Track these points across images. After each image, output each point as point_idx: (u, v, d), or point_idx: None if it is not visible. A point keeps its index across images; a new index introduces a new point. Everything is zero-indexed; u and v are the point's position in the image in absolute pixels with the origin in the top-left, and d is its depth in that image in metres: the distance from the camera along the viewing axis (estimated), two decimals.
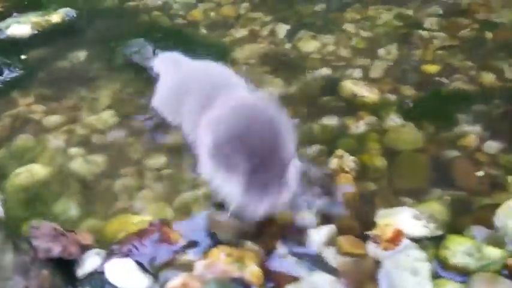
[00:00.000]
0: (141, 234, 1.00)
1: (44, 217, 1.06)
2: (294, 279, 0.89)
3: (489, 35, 1.64)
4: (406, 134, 1.27)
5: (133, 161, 1.23)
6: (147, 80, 1.47)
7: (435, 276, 0.89)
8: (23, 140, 1.31)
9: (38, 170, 1.19)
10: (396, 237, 0.96)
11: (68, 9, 1.87)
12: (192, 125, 1.08)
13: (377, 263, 0.93)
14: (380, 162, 1.18)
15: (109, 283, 0.90)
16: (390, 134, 1.26)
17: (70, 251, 0.93)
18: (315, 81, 1.48)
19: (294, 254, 0.94)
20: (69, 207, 1.11)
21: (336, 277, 0.89)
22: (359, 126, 1.29)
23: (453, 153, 1.20)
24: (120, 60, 1.61)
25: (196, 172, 1.05)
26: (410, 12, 1.80)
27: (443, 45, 1.62)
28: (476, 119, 1.30)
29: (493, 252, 0.89)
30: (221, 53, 1.61)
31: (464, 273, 0.88)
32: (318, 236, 0.97)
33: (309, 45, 1.66)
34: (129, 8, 1.95)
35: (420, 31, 1.69)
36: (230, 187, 0.89)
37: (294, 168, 0.92)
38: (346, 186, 1.10)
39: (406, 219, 0.99)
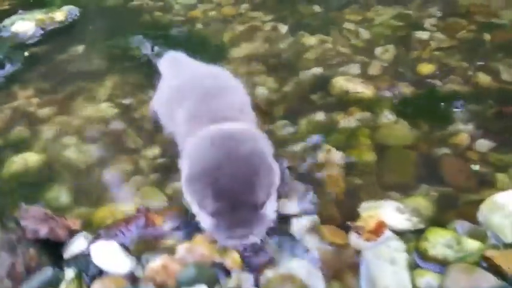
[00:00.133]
0: (127, 220, 1.04)
1: (36, 203, 1.11)
2: (273, 264, 0.92)
3: (487, 36, 1.67)
4: (397, 130, 1.29)
5: (126, 150, 1.28)
6: (146, 74, 1.53)
7: (414, 266, 0.91)
8: (20, 130, 1.38)
9: (32, 158, 1.25)
10: (379, 229, 0.98)
11: (71, 7, 1.95)
12: (183, 136, 1.10)
13: (358, 253, 0.95)
14: (369, 157, 1.21)
15: (94, 264, 0.94)
16: (382, 130, 1.29)
17: (57, 233, 0.98)
18: (309, 79, 1.52)
19: (276, 242, 0.97)
20: (60, 195, 1.16)
21: (314, 264, 0.92)
22: (350, 122, 1.32)
23: (443, 150, 1.22)
24: (119, 55, 1.67)
25: None
26: (409, 12, 1.84)
27: (441, 46, 1.65)
28: (470, 118, 1.32)
29: (472, 245, 0.91)
30: (219, 52, 1.67)
31: (443, 264, 0.90)
32: (300, 225, 1.01)
33: (307, 44, 1.70)
34: (132, 7, 2.03)
35: (419, 32, 1.72)
36: (201, 220, 0.94)
37: (270, 207, 0.94)
38: (332, 179, 1.13)
39: (389, 212, 1.02)
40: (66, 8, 1.94)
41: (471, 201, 1.07)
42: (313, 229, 1.00)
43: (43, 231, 0.96)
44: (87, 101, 1.49)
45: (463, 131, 1.27)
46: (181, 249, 0.94)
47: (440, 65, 1.55)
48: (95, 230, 1.04)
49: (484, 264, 0.89)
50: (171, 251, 0.96)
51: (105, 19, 1.93)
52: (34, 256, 0.93)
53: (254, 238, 0.88)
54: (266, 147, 1.02)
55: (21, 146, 1.31)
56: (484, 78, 1.47)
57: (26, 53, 1.72)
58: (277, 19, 1.86)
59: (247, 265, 0.92)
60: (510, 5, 1.81)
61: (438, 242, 0.93)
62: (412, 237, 0.97)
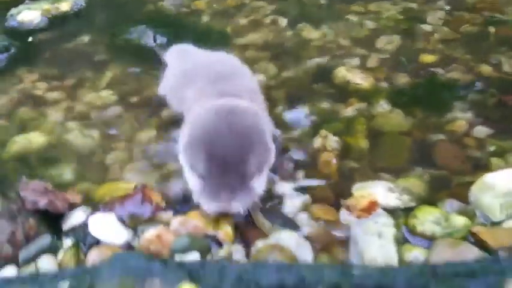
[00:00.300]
0: (125, 196, 1.10)
1: (38, 179, 1.18)
2: (264, 235, 0.98)
3: (492, 29, 1.72)
4: (393, 118, 1.35)
5: (127, 135, 1.35)
6: (149, 63, 1.60)
7: (403, 242, 0.96)
8: (25, 112, 1.46)
9: (36, 138, 1.32)
10: (371, 207, 1.03)
11: None
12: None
13: (347, 229, 1.00)
14: (364, 143, 1.26)
15: (91, 235, 1.00)
16: (378, 118, 1.35)
17: (56, 205, 1.05)
18: (310, 68, 1.58)
19: (268, 217, 1.03)
20: (63, 172, 1.23)
21: (304, 236, 0.97)
22: (348, 111, 1.38)
23: (439, 136, 1.27)
24: (122, 44, 1.75)
25: None
26: (414, 6, 1.90)
27: (445, 38, 1.70)
28: (470, 106, 1.37)
29: (459, 221, 0.96)
30: (222, 40, 1.74)
31: (430, 240, 0.95)
32: (293, 203, 1.06)
33: (310, 34, 1.76)
34: None
35: (423, 25, 1.78)
36: (191, 183, 1.01)
37: (260, 183, 1.00)
38: (327, 162, 1.19)
39: (380, 192, 1.07)
40: None
41: (464, 183, 1.10)
42: (306, 207, 1.05)
43: (42, 202, 1.02)
44: (90, 88, 1.57)
45: (460, 118, 1.32)
46: (176, 222, 1.00)
47: (443, 56, 1.60)
48: (95, 205, 1.10)
49: (471, 240, 0.94)
50: (165, 224, 1.02)
51: (110, 9, 2.01)
52: (33, 226, 1.00)
53: (237, 206, 0.94)
54: (266, 126, 1.08)
55: (25, 126, 1.39)
56: (485, 69, 1.52)
57: (30, 38, 1.81)
58: (278, 10, 1.93)
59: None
60: None
61: (427, 219, 0.97)
62: (401, 215, 1.02)
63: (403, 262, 0.91)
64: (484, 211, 0.99)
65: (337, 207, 1.06)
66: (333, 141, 1.25)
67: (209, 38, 1.75)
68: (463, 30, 1.74)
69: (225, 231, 0.99)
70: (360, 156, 1.22)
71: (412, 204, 1.04)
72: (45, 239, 0.97)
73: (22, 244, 0.96)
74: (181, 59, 1.46)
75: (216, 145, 0.95)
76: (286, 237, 0.96)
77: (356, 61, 1.61)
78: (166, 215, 1.05)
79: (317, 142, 1.25)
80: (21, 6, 2.01)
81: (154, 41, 1.74)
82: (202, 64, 1.33)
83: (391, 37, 1.72)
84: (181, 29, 1.82)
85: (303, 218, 1.03)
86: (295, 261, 0.91)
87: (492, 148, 1.21)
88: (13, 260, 0.93)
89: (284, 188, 1.12)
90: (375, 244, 0.94)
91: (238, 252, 0.94)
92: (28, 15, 1.94)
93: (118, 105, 1.48)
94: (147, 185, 1.12)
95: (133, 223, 1.03)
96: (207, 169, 0.94)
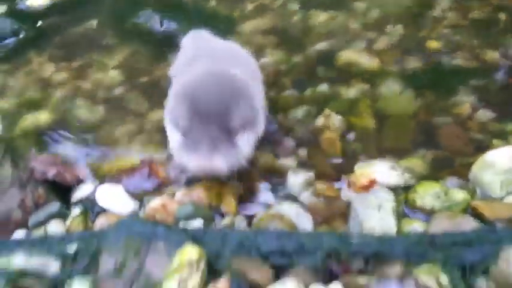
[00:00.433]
0: (132, 169, 1.16)
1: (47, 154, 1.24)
2: (265, 206, 1.03)
3: (502, 16, 1.75)
4: (399, 101, 1.38)
5: (134, 113, 1.41)
6: (156, 47, 1.66)
7: (402, 216, 1.01)
8: (34, 92, 1.52)
9: (43, 116, 1.38)
10: (370, 184, 1.08)
11: None
12: None
13: (348, 204, 1.05)
14: (369, 123, 1.30)
15: (99, 206, 1.06)
16: (384, 100, 1.39)
17: (64, 176, 1.10)
18: (316, 52, 1.63)
19: (271, 191, 1.08)
20: (70, 148, 1.28)
21: (304, 209, 1.02)
22: (353, 92, 1.42)
23: (444, 119, 1.31)
24: (130, 28, 1.81)
25: None
26: None
27: (452, 24, 1.73)
28: (474, 91, 1.41)
29: (459, 195, 1.00)
30: (229, 25, 1.79)
31: (429, 214, 0.99)
32: (296, 179, 1.11)
33: (318, 19, 1.81)
34: None
35: (432, 11, 1.81)
36: (173, 142, 1.02)
37: (245, 142, 0.98)
38: (330, 141, 1.23)
39: (382, 170, 1.11)
40: None
41: (466, 163, 1.14)
42: (308, 183, 1.10)
43: (51, 172, 1.08)
44: (99, 69, 1.63)
45: (465, 101, 1.36)
46: (180, 193, 1.05)
47: (448, 42, 1.63)
48: (102, 177, 1.16)
49: (470, 213, 0.98)
50: (170, 195, 1.07)
51: None
52: (42, 195, 1.05)
53: (220, 161, 0.92)
54: (257, 96, 1.10)
55: (34, 105, 1.45)
56: (491, 55, 1.55)
57: (40, 22, 1.87)
58: None
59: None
60: None
61: (427, 193, 1.02)
62: (402, 192, 1.06)
63: (402, 233, 0.95)
64: (485, 188, 1.03)
65: (338, 183, 1.11)
66: (336, 120, 1.29)
67: (215, 23, 1.80)
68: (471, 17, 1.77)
69: (228, 201, 1.04)
70: (364, 136, 1.27)
71: (413, 182, 1.08)
72: (54, 206, 1.03)
73: (32, 210, 1.01)
74: (195, 43, 1.51)
75: (200, 99, 0.95)
76: (286, 208, 1.00)
77: (364, 43, 1.65)
78: (172, 188, 1.10)
79: (320, 121, 1.30)
80: None
81: (161, 25, 1.79)
82: (208, 48, 1.38)
83: (398, 23, 1.75)
84: (187, 13, 1.87)
85: (305, 194, 1.07)
86: (295, 230, 0.95)
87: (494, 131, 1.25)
88: (23, 224, 0.99)
89: (286, 161, 1.16)
90: (375, 217, 0.98)
91: (241, 222, 0.99)
92: (36, 0, 2.01)
93: (126, 85, 1.53)
94: (153, 160, 1.17)
95: (139, 195, 1.08)
96: (189, 121, 0.94)
